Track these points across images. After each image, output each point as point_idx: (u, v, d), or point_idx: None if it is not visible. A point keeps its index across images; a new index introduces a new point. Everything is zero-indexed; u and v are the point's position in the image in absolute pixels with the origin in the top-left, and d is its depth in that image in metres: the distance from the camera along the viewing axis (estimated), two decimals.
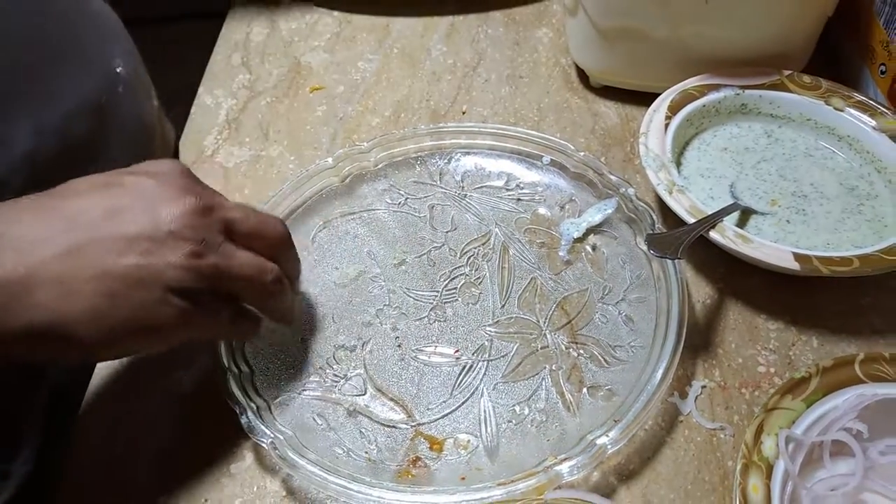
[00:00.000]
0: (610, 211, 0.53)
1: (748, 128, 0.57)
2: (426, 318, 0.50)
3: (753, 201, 0.52)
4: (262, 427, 0.42)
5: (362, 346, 0.48)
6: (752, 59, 0.57)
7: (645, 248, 0.50)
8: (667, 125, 0.54)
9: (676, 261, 0.47)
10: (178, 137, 0.65)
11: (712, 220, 0.47)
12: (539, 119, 0.64)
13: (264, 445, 0.41)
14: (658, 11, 0.55)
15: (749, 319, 0.49)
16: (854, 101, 0.54)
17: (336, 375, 0.47)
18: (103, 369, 0.49)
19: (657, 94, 0.60)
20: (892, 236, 0.48)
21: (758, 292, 0.50)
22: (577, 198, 0.55)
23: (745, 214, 0.51)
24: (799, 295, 0.50)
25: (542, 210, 0.55)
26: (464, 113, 0.65)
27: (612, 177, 0.53)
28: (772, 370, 0.47)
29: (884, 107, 0.54)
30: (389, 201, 0.57)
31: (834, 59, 0.62)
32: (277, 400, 0.45)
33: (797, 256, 0.45)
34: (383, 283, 0.52)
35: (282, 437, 0.42)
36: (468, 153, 0.59)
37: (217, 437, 0.45)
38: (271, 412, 0.45)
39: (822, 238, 0.50)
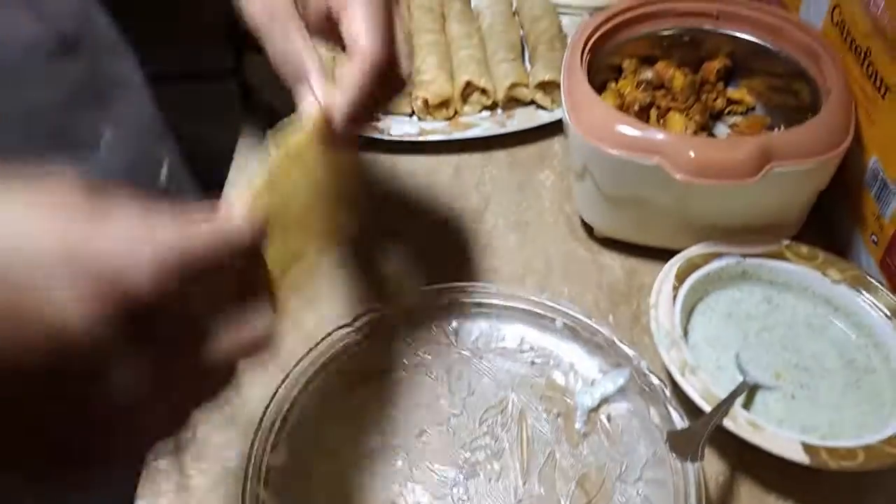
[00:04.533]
0: (623, 382, 0.55)
1: (749, 292, 0.60)
2: (449, 497, 0.51)
3: (759, 373, 0.55)
4: None
5: None
6: (749, 228, 0.60)
7: (658, 420, 0.53)
8: (675, 295, 0.57)
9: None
10: None
11: (725, 407, 0.49)
12: (547, 272, 0.66)
13: None
14: (662, 185, 0.58)
15: (760, 499, 0.51)
16: (850, 275, 0.58)
17: None
18: None
19: (659, 248, 0.63)
20: (891, 415, 0.51)
21: (768, 470, 0.52)
22: (591, 364, 0.57)
23: (753, 388, 0.54)
24: (808, 474, 0.52)
25: (556, 375, 0.57)
26: (474, 263, 0.67)
27: (624, 347, 0.56)
28: None
29: (878, 281, 0.57)
30: (406, 362, 0.58)
31: (827, 224, 0.65)
32: None
33: (806, 448, 0.47)
34: (406, 455, 0.53)
35: None
36: (482, 313, 0.60)
37: None
38: None
39: (825, 416, 0.52)
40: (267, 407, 0.53)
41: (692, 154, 0.54)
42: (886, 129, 0.57)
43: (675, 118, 0.67)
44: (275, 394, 0.54)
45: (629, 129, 0.57)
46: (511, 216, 0.71)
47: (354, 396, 0.56)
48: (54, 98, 0.52)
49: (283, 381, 0.55)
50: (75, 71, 0.54)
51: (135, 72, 0.61)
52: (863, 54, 0.60)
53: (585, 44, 0.65)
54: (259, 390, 0.58)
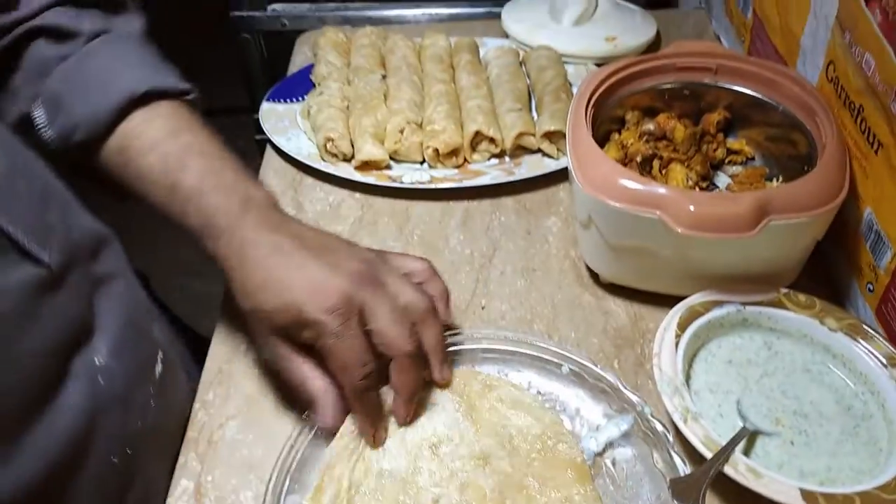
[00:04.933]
0: (627, 427, 0.57)
1: (749, 338, 0.62)
2: None
3: (759, 419, 0.56)
4: None
5: None
6: (748, 277, 0.62)
7: (661, 465, 0.54)
8: (677, 343, 0.59)
9: None
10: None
11: (726, 453, 0.51)
12: (553, 316, 0.68)
13: None
14: (664, 237, 0.60)
15: None
16: (847, 323, 0.59)
17: None
18: None
19: (663, 294, 0.65)
20: (887, 462, 0.53)
21: None
22: (596, 409, 0.59)
23: (753, 434, 0.56)
24: None
25: (562, 419, 0.59)
26: (483, 308, 0.69)
27: (628, 393, 0.57)
28: None
29: (874, 329, 0.59)
30: None
31: (825, 272, 0.68)
32: None
33: (804, 494, 0.49)
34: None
35: None
36: (489, 358, 0.63)
37: None
38: None
39: (823, 462, 0.54)
40: (281, 451, 0.55)
41: (692, 208, 0.57)
42: (880, 183, 0.60)
43: (677, 169, 0.70)
44: (289, 439, 0.56)
45: (632, 183, 0.59)
46: (519, 262, 0.73)
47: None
48: (34, 344, 0.48)
49: (296, 427, 0.57)
50: (59, 305, 0.50)
51: (120, 258, 0.61)
52: (856, 110, 0.62)
53: (590, 98, 0.67)
54: (274, 436, 0.60)
